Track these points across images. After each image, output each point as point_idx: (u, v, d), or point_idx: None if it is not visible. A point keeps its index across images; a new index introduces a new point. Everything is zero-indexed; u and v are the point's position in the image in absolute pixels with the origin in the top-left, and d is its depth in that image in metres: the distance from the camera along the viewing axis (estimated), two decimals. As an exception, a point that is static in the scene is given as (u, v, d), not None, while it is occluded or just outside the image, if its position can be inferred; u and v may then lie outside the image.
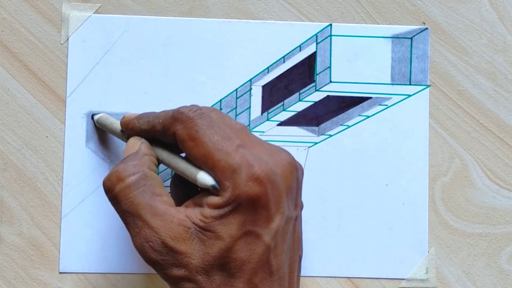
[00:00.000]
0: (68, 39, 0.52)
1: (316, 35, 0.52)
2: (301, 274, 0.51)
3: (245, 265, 0.40)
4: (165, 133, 0.42)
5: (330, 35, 0.52)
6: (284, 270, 0.42)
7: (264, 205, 0.40)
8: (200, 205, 0.41)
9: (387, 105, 0.52)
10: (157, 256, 0.40)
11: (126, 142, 0.45)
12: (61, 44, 0.52)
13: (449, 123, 0.52)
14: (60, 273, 0.51)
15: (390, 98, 0.52)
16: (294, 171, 0.42)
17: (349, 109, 0.52)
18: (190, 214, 0.40)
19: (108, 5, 0.52)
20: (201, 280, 0.40)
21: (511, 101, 0.53)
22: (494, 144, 0.53)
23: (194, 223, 0.40)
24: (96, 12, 0.52)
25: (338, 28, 0.52)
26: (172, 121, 0.42)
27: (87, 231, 0.51)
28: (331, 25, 0.52)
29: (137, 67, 0.52)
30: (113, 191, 0.42)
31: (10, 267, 0.51)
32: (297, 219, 0.43)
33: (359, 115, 0.52)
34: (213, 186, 0.40)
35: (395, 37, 0.52)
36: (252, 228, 0.40)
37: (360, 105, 0.52)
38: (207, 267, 0.40)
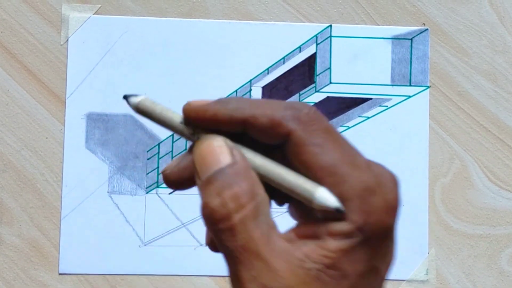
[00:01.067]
0: (67, 40, 0.52)
1: (316, 36, 0.52)
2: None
3: None
4: (271, 131, 0.32)
5: (330, 36, 0.52)
6: None
7: (391, 237, 0.32)
8: (316, 236, 0.31)
9: (387, 106, 0.52)
10: None
11: (190, 139, 0.33)
12: (61, 45, 0.52)
13: (449, 124, 0.52)
14: (59, 274, 0.51)
15: (390, 99, 0.52)
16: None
17: (349, 110, 0.52)
18: (307, 250, 0.31)
19: (107, 6, 0.52)
20: None
21: (511, 102, 0.53)
22: (494, 145, 0.52)
23: (314, 261, 0.31)
24: (96, 13, 0.52)
25: (338, 29, 0.52)
26: (290, 117, 0.31)
27: (87, 232, 0.51)
28: (331, 26, 0.52)
29: (137, 68, 0.52)
30: (230, 221, 0.31)
31: (10, 268, 0.51)
32: None
33: (359, 116, 0.52)
34: (337, 209, 0.30)
35: (395, 38, 0.52)
36: (376, 264, 0.32)
37: (360, 106, 0.52)
38: None
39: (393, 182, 0.32)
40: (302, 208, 0.32)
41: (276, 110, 0.31)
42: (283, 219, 0.52)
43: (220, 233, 0.31)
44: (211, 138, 0.32)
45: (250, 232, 0.30)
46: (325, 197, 0.31)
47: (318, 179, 0.31)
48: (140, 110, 0.34)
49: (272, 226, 0.31)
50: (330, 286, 0.31)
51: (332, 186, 0.31)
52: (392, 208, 0.31)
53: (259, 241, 0.30)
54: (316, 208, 0.31)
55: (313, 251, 0.31)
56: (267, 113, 0.31)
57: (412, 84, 0.52)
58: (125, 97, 0.34)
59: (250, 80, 0.52)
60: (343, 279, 0.31)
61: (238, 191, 0.30)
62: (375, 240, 0.31)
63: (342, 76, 0.52)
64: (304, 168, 0.31)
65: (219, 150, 0.32)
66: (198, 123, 0.32)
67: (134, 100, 0.34)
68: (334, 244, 0.31)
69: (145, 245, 0.51)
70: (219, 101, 0.32)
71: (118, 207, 0.51)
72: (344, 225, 0.30)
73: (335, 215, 0.31)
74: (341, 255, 0.31)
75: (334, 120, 0.52)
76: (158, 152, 0.52)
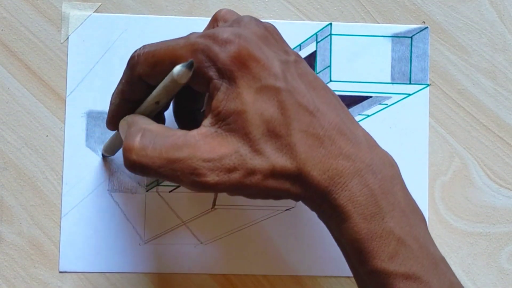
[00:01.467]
0: (68, 38, 0.52)
1: (316, 34, 0.52)
2: (301, 274, 0.51)
3: (279, 118, 0.38)
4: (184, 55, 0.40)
5: (330, 34, 0.52)
6: (323, 108, 0.40)
7: (252, 58, 0.38)
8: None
9: (387, 104, 0.52)
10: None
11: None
12: (61, 43, 0.52)
13: (449, 122, 0.52)
14: (60, 272, 0.51)
15: (390, 97, 0.52)
16: (263, 29, 0.41)
17: (349, 108, 0.52)
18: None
19: (108, 4, 0.52)
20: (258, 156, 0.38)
21: (511, 100, 0.53)
22: (494, 143, 0.53)
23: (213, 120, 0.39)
24: (96, 11, 0.52)
25: (338, 27, 0.52)
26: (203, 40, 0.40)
27: (87, 230, 0.51)
28: (331, 24, 0.52)
29: (137, 66, 0.51)
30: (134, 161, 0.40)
31: (10, 266, 0.51)
32: (298, 62, 0.41)
33: (359, 114, 0.52)
34: (188, 64, 0.38)
35: (395, 36, 0.52)
36: (259, 84, 0.38)
37: (360, 104, 0.52)
38: (253, 143, 0.38)
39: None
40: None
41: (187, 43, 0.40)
42: (282, 218, 0.52)
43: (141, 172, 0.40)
44: (121, 122, 0.43)
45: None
46: (177, 67, 0.38)
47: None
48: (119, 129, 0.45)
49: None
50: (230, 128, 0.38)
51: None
52: (225, 41, 0.39)
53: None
54: (177, 78, 0.39)
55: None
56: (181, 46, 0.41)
57: (412, 82, 0.52)
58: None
59: (250, 78, 0.52)
60: (239, 115, 0.38)
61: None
62: (237, 68, 0.38)
63: (342, 74, 0.52)
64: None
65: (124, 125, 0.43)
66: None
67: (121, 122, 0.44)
68: (218, 98, 0.39)
69: (145, 243, 0.51)
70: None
71: (118, 205, 0.51)
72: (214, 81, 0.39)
73: (190, 68, 0.38)
74: (221, 102, 0.39)
75: (334, 118, 0.52)
76: (158, 150, 0.51)
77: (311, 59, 0.52)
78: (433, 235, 0.52)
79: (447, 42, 0.53)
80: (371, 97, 0.52)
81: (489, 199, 0.52)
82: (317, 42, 0.52)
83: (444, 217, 0.52)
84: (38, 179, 0.51)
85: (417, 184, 0.52)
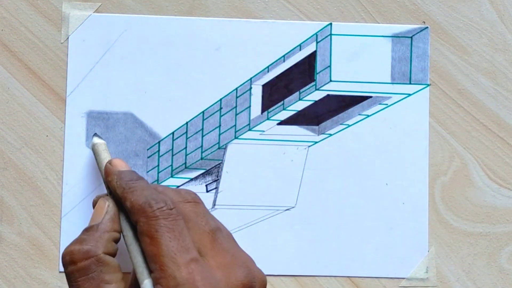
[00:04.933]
0: (68, 38, 0.52)
1: (316, 34, 0.52)
2: (302, 274, 0.51)
3: None
4: (130, 216, 0.42)
5: (330, 34, 0.52)
6: None
7: None
8: None
9: (387, 104, 0.52)
10: None
11: (104, 185, 0.46)
12: (61, 43, 0.52)
13: (449, 122, 0.52)
14: (60, 272, 0.51)
15: (390, 97, 0.52)
16: None
17: (349, 108, 0.52)
18: None
19: (108, 4, 0.52)
20: None
21: (511, 100, 0.53)
22: (494, 143, 0.52)
23: None
24: (96, 11, 0.52)
25: (338, 27, 0.52)
26: (139, 210, 0.41)
27: (87, 230, 0.51)
28: (331, 24, 0.52)
29: (137, 66, 0.52)
30: (65, 270, 0.42)
31: (10, 266, 0.51)
32: None
33: (359, 114, 0.52)
34: None
35: (395, 36, 0.52)
36: None
37: (360, 104, 0.52)
38: None
39: (220, 276, 0.40)
40: None
41: (137, 202, 0.42)
42: (282, 218, 0.52)
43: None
44: (101, 199, 0.44)
45: (78, 283, 0.41)
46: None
47: (149, 264, 0.41)
48: (93, 149, 0.48)
49: (107, 282, 0.41)
50: None
51: (157, 272, 0.40)
52: None
53: None
54: None
55: None
56: (132, 201, 0.42)
57: (412, 82, 0.52)
58: (94, 134, 0.50)
59: (250, 78, 0.52)
60: None
61: (75, 250, 0.42)
62: None
63: (342, 74, 0.52)
64: (143, 251, 0.41)
65: (98, 210, 0.44)
66: (106, 181, 0.45)
67: (93, 141, 0.48)
68: None
69: (145, 243, 0.51)
70: (119, 173, 0.44)
71: (118, 205, 0.50)
72: None
73: None
74: None
75: (334, 118, 0.52)
76: (159, 151, 0.52)
77: (311, 59, 0.52)
78: (433, 235, 0.52)
79: (447, 42, 0.53)
80: (371, 97, 0.52)
81: (489, 199, 0.52)
82: (317, 42, 0.52)
83: (444, 217, 0.52)
84: (38, 179, 0.51)
85: (417, 184, 0.52)
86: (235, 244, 0.44)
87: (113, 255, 0.43)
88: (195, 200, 0.44)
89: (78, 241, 0.42)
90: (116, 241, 0.43)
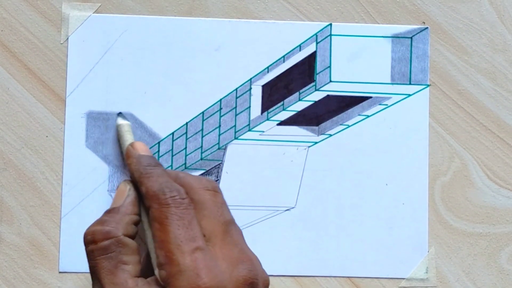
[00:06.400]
0: (68, 38, 0.52)
1: (316, 34, 0.52)
2: (302, 274, 0.51)
3: None
4: (144, 201, 0.43)
5: (330, 35, 0.52)
6: None
7: None
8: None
9: (387, 104, 0.52)
10: None
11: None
12: (61, 43, 0.52)
13: (449, 123, 0.52)
14: (60, 272, 0.51)
15: (390, 97, 0.52)
16: None
17: (349, 109, 0.52)
18: None
19: (108, 5, 0.52)
20: None
21: (511, 101, 0.53)
22: (494, 143, 0.53)
23: None
24: (96, 11, 0.52)
25: (338, 27, 0.52)
26: (152, 196, 0.43)
27: (87, 231, 0.51)
28: (331, 24, 0.52)
29: (137, 67, 0.52)
30: (86, 249, 0.43)
31: (10, 266, 0.51)
32: None
33: (359, 115, 0.52)
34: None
35: (395, 37, 0.52)
36: None
37: (360, 104, 0.52)
38: None
39: (226, 268, 0.41)
40: None
41: (152, 188, 0.43)
42: (282, 218, 0.52)
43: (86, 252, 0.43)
44: (123, 183, 0.45)
45: (97, 261, 0.42)
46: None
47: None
48: (117, 130, 0.50)
49: (124, 262, 0.42)
50: None
51: (162, 257, 0.41)
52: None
53: (102, 270, 0.42)
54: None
55: None
56: (147, 187, 0.43)
57: (412, 83, 0.52)
58: (118, 114, 0.50)
59: (250, 79, 0.52)
60: None
61: (98, 229, 0.43)
62: None
63: (342, 74, 0.52)
64: (152, 236, 0.42)
65: (120, 193, 0.45)
66: (126, 162, 0.47)
67: (118, 121, 0.50)
68: None
69: (145, 244, 0.51)
70: (138, 157, 0.46)
71: (118, 206, 0.51)
72: None
73: None
74: None
75: (334, 119, 0.52)
76: (158, 151, 0.52)
77: (311, 59, 0.52)
78: (433, 235, 0.52)
79: (447, 42, 0.53)
80: (371, 97, 0.52)
81: (489, 199, 0.52)
82: (317, 43, 0.52)
83: (444, 217, 0.52)
84: (38, 179, 0.51)
85: (417, 184, 0.52)
86: (244, 241, 0.44)
87: (132, 237, 0.43)
88: (215, 190, 0.45)
89: (99, 222, 0.43)
90: (136, 224, 0.44)
